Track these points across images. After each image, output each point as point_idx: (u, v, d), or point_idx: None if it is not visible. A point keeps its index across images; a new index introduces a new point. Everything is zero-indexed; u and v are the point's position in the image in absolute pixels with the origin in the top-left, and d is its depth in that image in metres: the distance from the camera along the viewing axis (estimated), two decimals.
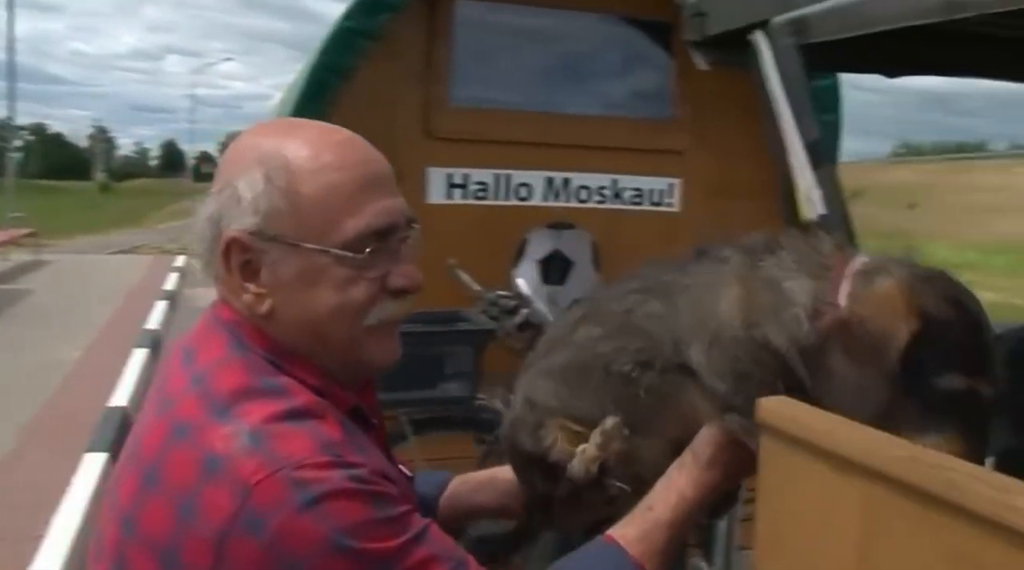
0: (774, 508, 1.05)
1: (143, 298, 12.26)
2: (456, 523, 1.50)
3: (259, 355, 1.13)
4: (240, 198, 1.12)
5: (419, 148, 3.73)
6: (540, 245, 3.88)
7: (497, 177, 3.87)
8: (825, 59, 1.63)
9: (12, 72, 24.56)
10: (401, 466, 1.32)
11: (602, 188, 4.05)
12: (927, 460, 0.82)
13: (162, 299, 12.02)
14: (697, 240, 3.94)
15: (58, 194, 52.13)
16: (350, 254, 1.11)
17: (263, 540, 0.99)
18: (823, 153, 1.44)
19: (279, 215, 1.11)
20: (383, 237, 1.13)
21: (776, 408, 1.02)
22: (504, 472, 1.51)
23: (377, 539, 1.03)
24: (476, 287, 3.36)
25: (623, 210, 4.07)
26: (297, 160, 1.12)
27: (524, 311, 3.24)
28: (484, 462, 3.25)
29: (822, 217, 1.39)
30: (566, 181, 3.99)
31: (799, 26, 1.40)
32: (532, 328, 3.27)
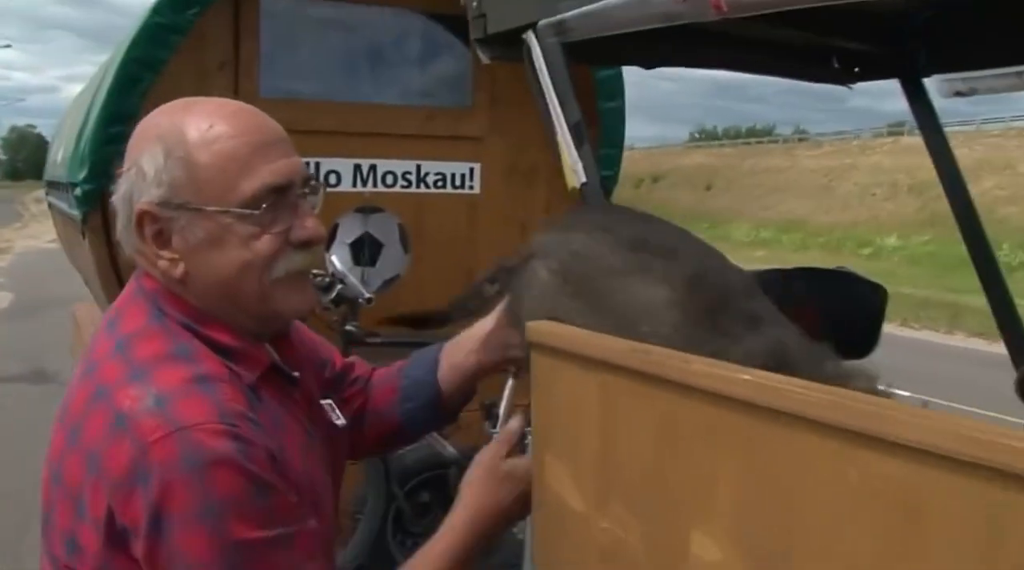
0: (542, 409, 1.35)
1: None
2: (466, 387, 1.69)
3: (176, 321, 1.22)
4: (144, 174, 1.21)
5: None
6: (350, 229, 4.08)
7: (307, 165, 4.03)
8: (590, 54, 1.94)
9: None
10: (336, 413, 1.45)
11: (407, 173, 4.27)
12: (635, 348, 1.13)
13: None
14: (497, 220, 4.29)
15: None
16: (248, 211, 1.20)
17: (147, 494, 1.07)
18: (584, 134, 1.72)
19: (181, 184, 1.20)
20: (280, 193, 1.22)
21: (538, 328, 1.31)
22: (487, 326, 1.63)
23: (242, 522, 1.09)
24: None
25: (428, 194, 4.31)
26: (193, 132, 1.21)
27: (338, 287, 3.47)
28: None
29: (583, 184, 1.68)
30: (373, 167, 4.20)
31: (561, 27, 1.68)
32: (346, 302, 3.51)
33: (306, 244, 1.26)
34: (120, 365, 1.18)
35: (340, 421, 1.45)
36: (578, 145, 1.72)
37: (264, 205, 1.21)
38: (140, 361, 1.18)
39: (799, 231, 31.63)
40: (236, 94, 3.85)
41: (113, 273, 3.68)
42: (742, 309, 1.24)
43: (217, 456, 1.09)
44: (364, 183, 4.17)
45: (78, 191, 3.65)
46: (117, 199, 1.25)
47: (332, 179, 4.09)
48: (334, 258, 3.82)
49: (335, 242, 4.02)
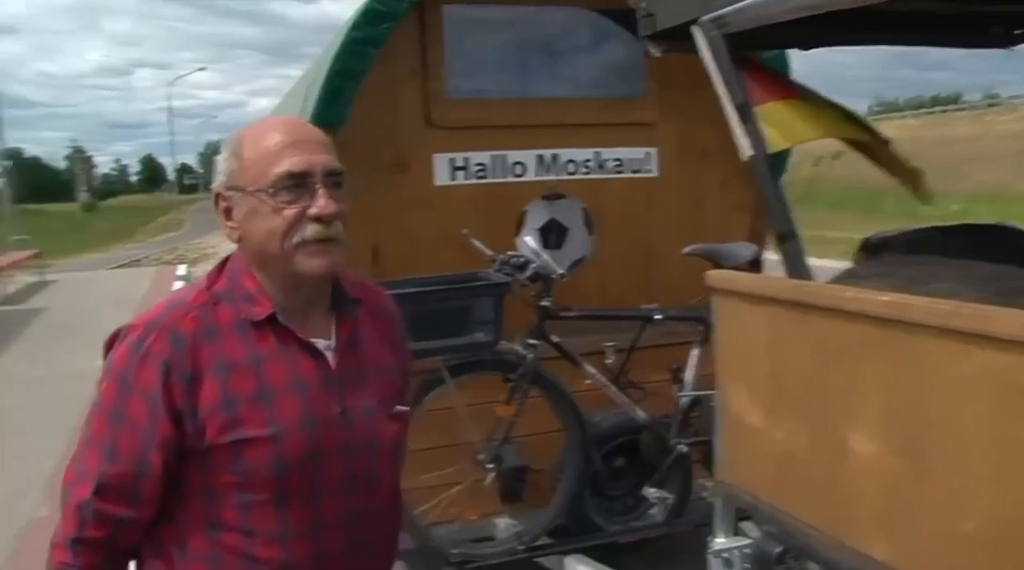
0: (724, 345, 1.60)
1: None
2: None
3: (228, 269, 1.69)
4: (218, 169, 1.67)
5: (424, 137, 4.23)
6: (538, 215, 4.40)
7: (494, 158, 4.35)
8: (751, 41, 2.16)
9: None
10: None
11: (587, 161, 4.53)
12: (797, 284, 1.37)
13: None
14: (674, 201, 4.50)
15: (44, 217, 52.13)
16: (270, 190, 1.58)
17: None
18: (749, 110, 1.94)
19: (233, 172, 1.63)
20: (300, 179, 1.58)
21: (718, 276, 1.57)
22: None
23: (105, 386, 1.60)
24: (489, 251, 3.89)
25: (607, 179, 4.56)
26: (246, 135, 1.65)
27: (533, 265, 3.78)
28: (512, 397, 3.81)
29: (751, 157, 1.91)
30: (555, 157, 4.46)
31: (720, 21, 1.91)
32: (541, 279, 3.81)
33: (317, 218, 1.59)
34: None
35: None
36: (743, 122, 1.93)
37: (285, 185, 1.57)
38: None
39: (994, 202, 30.03)
40: (427, 97, 4.22)
41: None
42: None
43: (124, 341, 1.60)
44: (548, 172, 4.45)
45: None
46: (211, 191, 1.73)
47: (518, 170, 4.40)
48: (527, 239, 4.14)
49: (524, 228, 4.34)
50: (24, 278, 18.24)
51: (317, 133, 1.67)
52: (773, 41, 2.50)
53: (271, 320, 1.64)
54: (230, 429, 1.57)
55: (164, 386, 1.55)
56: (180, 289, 1.72)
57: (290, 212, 1.58)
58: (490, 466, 3.82)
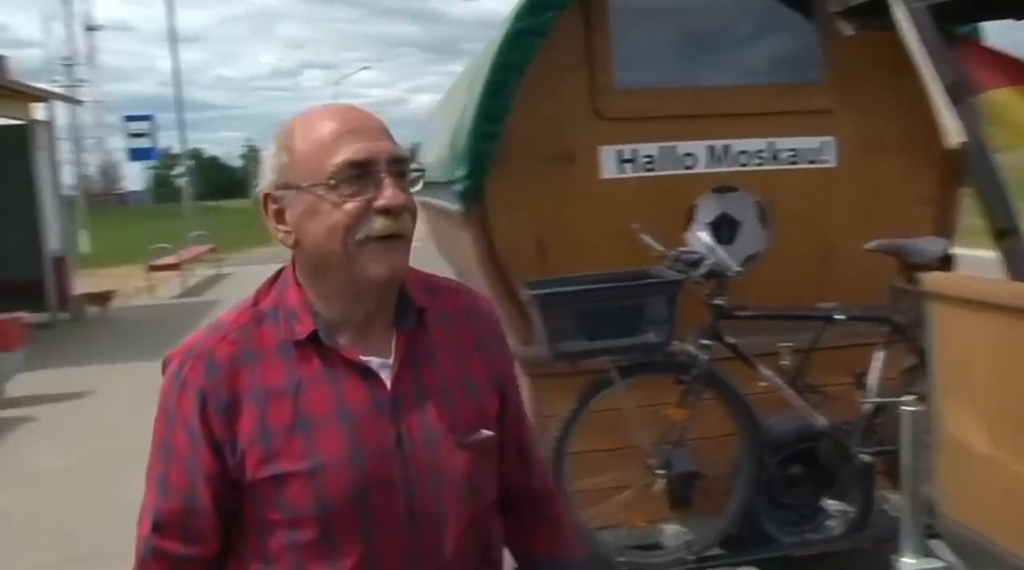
0: (941, 357, 1.41)
1: None
2: None
3: (278, 281, 1.54)
4: (264, 166, 1.49)
5: (590, 129, 4.11)
6: (708, 209, 4.21)
7: (663, 149, 4.19)
8: (958, 12, 1.94)
9: (179, 104, 26.13)
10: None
11: (760, 151, 4.31)
12: None
13: None
14: (853, 192, 4.25)
15: (220, 213, 54.71)
16: (330, 182, 1.39)
17: None
18: (962, 91, 1.73)
19: (285, 168, 1.45)
20: (362, 168, 1.40)
21: (936, 278, 1.38)
22: None
23: (157, 420, 1.50)
24: (660, 247, 3.74)
25: (781, 170, 4.33)
26: (297, 126, 1.46)
27: (707, 262, 3.61)
28: (684, 400, 3.65)
29: (963, 143, 1.70)
30: (726, 148, 4.27)
31: None
32: (717, 277, 3.64)
33: (385, 210, 1.40)
34: None
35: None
36: (955, 103, 1.73)
37: (347, 177, 1.40)
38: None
39: None
40: (592, 88, 4.10)
41: (491, 262, 4.04)
42: None
43: (167, 369, 1.49)
44: (719, 163, 4.26)
45: (459, 187, 4.03)
46: (256, 192, 1.53)
47: (687, 162, 4.23)
48: (701, 234, 3.96)
49: (694, 222, 4.17)
50: (203, 271, 19.08)
51: (375, 119, 1.49)
52: (983, 11, 2.25)
53: (314, 339, 1.47)
54: (267, 463, 1.43)
55: (201, 417, 1.44)
56: (232, 307, 1.56)
57: (353, 205, 1.40)
58: (660, 471, 3.68)
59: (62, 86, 46.72)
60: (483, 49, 4.80)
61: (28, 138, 13.41)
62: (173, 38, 26.22)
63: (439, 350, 1.55)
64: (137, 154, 23.09)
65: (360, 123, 1.45)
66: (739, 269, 3.73)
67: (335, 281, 1.45)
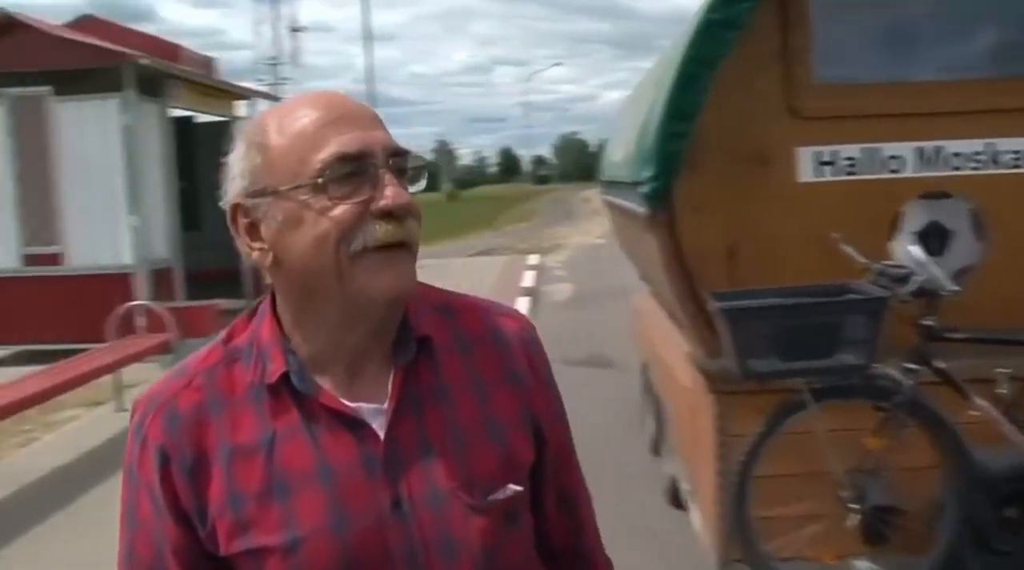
0: None
1: (505, 294, 13.12)
2: None
3: (253, 311, 1.29)
4: (232, 171, 1.20)
5: (787, 128, 3.83)
6: (916, 217, 3.86)
7: (866, 151, 3.87)
8: None
9: (372, 100, 26.89)
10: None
11: (977, 153, 3.91)
12: None
13: (522, 295, 12.99)
14: None
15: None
16: (316, 182, 1.13)
17: None
18: None
19: (257, 170, 1.17)
20: (355, 163, 1.14)
21: None
22: None
23: (124, 468, 1.27)
24: (862, 259, 3.44)
25: (1002, 175, 3.92)
26: (270, 119, 1.20)
27: (917, 278, 3.28)
28: (884, 428, 3.35)
29: None
30: (938, 150, 3.90)
31: None
32: (927, 295, 3.31)
33: (386, 213, 1.14)
34: None
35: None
36: None
37: (337, 174, 1.13)
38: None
39: None
40: (789, 83, 3.82)
41: (677, 268, 3.82)
42: None
43: (131, 421, 1.27)
44: (929, 167, 3.90)
45: (645, 189, 3.83)
46: (222, 204, 1.23)
47: (894, 165, 3.89)
48: (912, 248, 3.63)
49: (899, 231, 3.83)
50: None
51: (366, 107, 1.23)
52: None
53: (288, 382, 1.20)
54: (240, 535, 1.18)
55: (164, 480, 1.20)
56: (206, 345, 1.30)
57: (346, 209, 1.13)
58: (853, 503, 3.39)
59: (267, 84, 49.17)
60: (673, 43, 4.56)
61: (231, 134, 14.02)
62: (368, 37, 26.91)
63: (454, 387, 1.26)
64: None
65: (349, 110, 1.19)
66: (958, 289, 3.38)
67: (324, 306, 1.18)
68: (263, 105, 21.77)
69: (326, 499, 1.17)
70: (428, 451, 1.21)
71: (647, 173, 3.81)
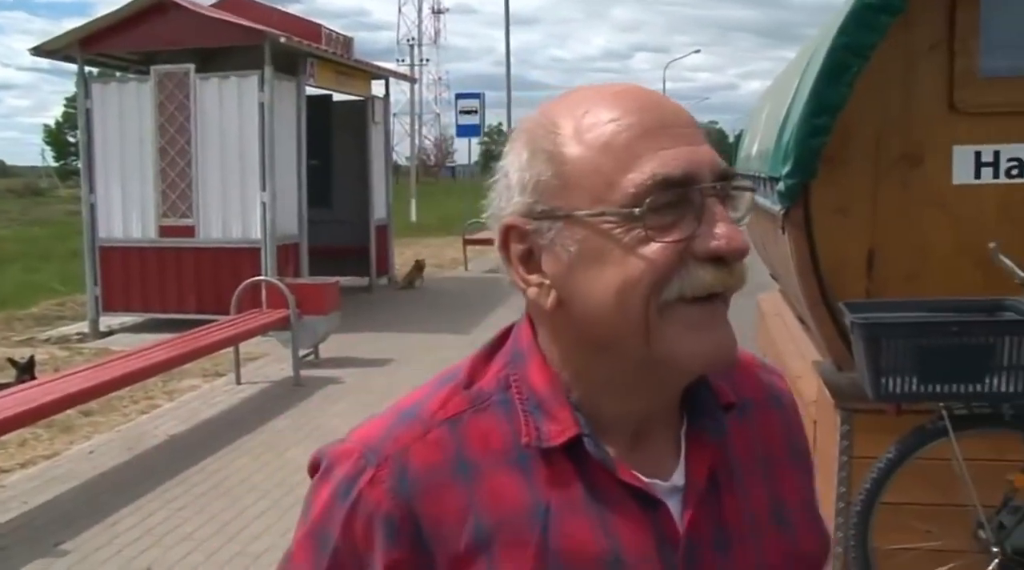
0: None
1: None
2: None
3: (513, 352, 1.01)
4: (509, 179, 0.96)
5: (944, 125, 3.49)
6: None
7: None
8: None
9: (509, 84, 26.93)
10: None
11: None
12: None
13: None
14: None
15: None
16: (634, 210, 0.88)
17: None
18: None
19: (548, 185, 0.93)
20: (678, 189, 0.89)
21: None
22: None
23: (300, 546, 1.00)
24: (1022, 273, 3.08)
25: None
26: (563, 121, 0.95)
27: None
28: None
29: None
30: None
31: None
32: None
33: (715, 257, 0.89)
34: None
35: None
36: None
37: (658, 203, 0.88)
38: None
39: None
40: (952, 76, 3.49)
41: (812, 273, 3.54)
42: None
43: (327, 477, 0.99)
44: None
45: (781, 186, 3.55)
46: (489, 219, 0.99)
47: None
48: None
49: None
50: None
51: (683, 110, 0.97)
52: None
53: (573, 446, 0.95)
54: None
55: (390, 559, 0.93)
56: (425, 383, 1.04)
57: (663, 247, 0.89)
58: (994, 547, 3.04)
59: (407, 65, 49.90)
60: (822, 30, 4.24)
61: (365, 113, 14.39)
62: (506, 20, 26.98)
63: (742, 463, 1.04)
64: (464, 130, 24.07)
65: (667, 116, 0.93)
66: None
67: (615, 363, 0.94)
68: (403, 86, 21.98)
69: None
70: (725, 543, 0.98)
71: (785, 169, 3.52)
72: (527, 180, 0.94)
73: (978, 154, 3.49)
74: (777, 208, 3.67)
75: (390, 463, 0.94)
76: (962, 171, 3.50)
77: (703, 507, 0.97)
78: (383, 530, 0.93)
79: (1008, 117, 3.48)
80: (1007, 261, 3.12)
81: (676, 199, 0.89)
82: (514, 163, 0.96)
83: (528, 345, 0.99)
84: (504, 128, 35.09)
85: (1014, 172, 3.49)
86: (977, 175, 3.50)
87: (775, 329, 5.49)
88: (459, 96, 24.37)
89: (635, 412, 0.97)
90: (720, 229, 0.89)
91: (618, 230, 0.89)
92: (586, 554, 0.92)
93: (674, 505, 0.96)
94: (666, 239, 0.88)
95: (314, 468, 1.01)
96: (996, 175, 3.49)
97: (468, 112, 23.75)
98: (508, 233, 0.96)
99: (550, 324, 0.97)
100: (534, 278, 0.95)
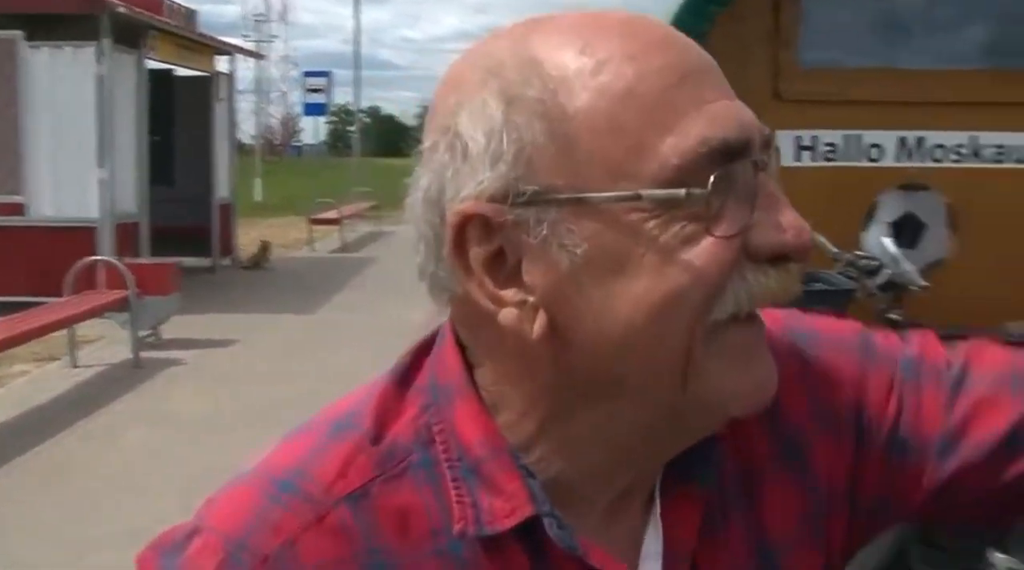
0: None
1: None
2: None
3: (432, 386, 0.71)
4: (466, 146, 0.64)
5: (767, 111, 3.69)
6: (891, 207, 3.76)
7: (847, 138, 3.78)
8: None
9: (357, 62, 26.55)
10: None
11: (959, 146, 3.83)
12: None
13: None
14: None
15: (391, 171, 56.12)
16: (683, 192, 0.60)
17: None
18: None
19: (540, 155, 0.62)
20: (729, 161, 0.62)
21: None
22: None
23: None
24: (833, 249, 3.33)
25: (983, 169, 3.84)
26: (556, 56, 0.64)
27: (887, 272, 3.18)
28: None
29: None
30: (920, 140, 3.81)
31: None
32: (896, 288, 3.21)
33: (782, 256, 0.64)
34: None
35: None
36: None
37: (709, 181, 0.61)
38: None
39: None
40: (776, 66, 3.71)
41: None
42: None
43: None
44: (909, 157, 3.81)
45: None
46: (412, 205, 0.68)
47: (873, 153, 3.80)
48: (886, 240, 3.52)
49: (873, 221, 3.73)
50: (363, 228, 19.36)
51: (699, 47, 0.67)
52: None
53: (526, 527, 0.66)
54: None
55: None
56: (315, 419, 0.72)
57: (719, 247, 0.62)
58: None
59: (253, 41, 48.68)
60: (662, 15, 4.44)
61: (209, 90, 14.05)
62: None
63: (745, 507, 0.77)
64: (311, 109, 23.84)
65: (696, 58, 0.65)
66: (925, 284, 3.28)
67: (626, 414, 0.66)
68: (248, 63, 21.38)
69: None
70: None
71: None
72: (504, 146, 0.63)
73: (798, 138, 3.74)
74: None
75: (269, 564, 0.64)
76: (784, 153, 3.73)
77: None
78: None
79: (825, 105, 3.74)
80: (820, 237, 3.36)
81: (728, 173, 0.62)
82: (476, 121, 0.64)
83: (458, 380, 0.69)
84: (352, 107, 34.66)
85: (830, 155, 3.76)
86: (797, 158, 3.75)
87: None
88: (307, 74, 24.01)
89: (626, 479, 0.71)
90: (787, 217, 0.64)
91: (652, 222, 0.61)
92: None
93: None
94: (717, 231, 0.61)
95: (144, 561, 0.69)
96: (814, 158, 3.75)
97: (315, 90, 23.42)
98: (465, 227, 0.64)
99: (522, 358, 0.66)
100: (511, 294, 0.64)
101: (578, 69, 0.63)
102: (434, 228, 0.66)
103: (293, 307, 10.86)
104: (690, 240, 0.61)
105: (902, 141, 3.80)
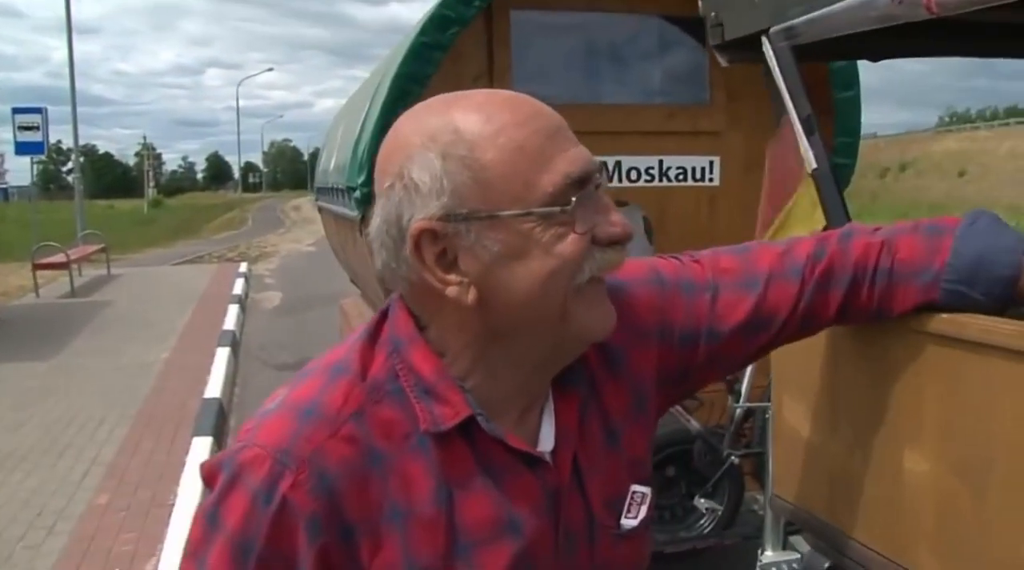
0: (779, 358, 1.59)
1: (216, 302, 12.97)
2: None
3: (392, 340, 1.07)
4: (418, 185, 1.00)
5: None
6: None
7: None
8: (819, 53, 2.14)
9: (73, 97, 25.19)
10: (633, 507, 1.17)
11: (650, 168, 4.53)
12: None
13: (233, 303, 12.79)
14: (736, 210, 4.48)
15: (112, 212, 53.34)
16: (556, 209, 0.99)
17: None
18: (815, 125, 1.92)
19: (466, 190, 0.99)
20: (581, 187, 1.00)
21: None
22: None
23: (205, 544, 1.00)
24: None
25: (669, 187, 4.56)
26: (471, 126, 1.00)
27: None
28: None
29: (814, 170, 1.90)
30: (618, 164, 4.47)
31: (790, 32, 1.90)
32: None
33: (615, 241, 1.03)
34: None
35: (632, 520, 1.17)
36: (808, 135, 1.92)
37: (567, 200, 0.99)
38: (306, 370, 1.10)
39: None
40: None
41: None
42: None
43: (238, 484, 0.99)
44: (611, 179, 4.42)
45: (357, 194, 4.15)
46: (376, 226, 1.05)
47: None
48: None
49: None
50: (91, 271, 18.57)
51: (553, 111, 1.06)
52: (842, 52, 2.48)
53: (464, 427, 1.04)
54: None
55: (319, 558, 0.99)
56: (312, 368, 1.09)
57: (576, 240, 1.00)
58: None
59: None
60: (388, 57, 4.90)
61: None
62: (69, 30, 25.04)
63: (599, 409, 1.17)
64: (25, 148, 22.12)
65: (554, 120, 1.04)
66: None
67: (529, 347, 1.05)
68: None
69: (511, 551, 1.05)
70: (581, 478, 1.12)
71: (360, 179, 4.12)
72: (444, 186, 0.98)
73: None
74: (354, 214, 4.25)
75: (309, 465, 0.98)
76: None
77: (569, 453, 1.11)
78: (310, 529, 0.97)
79: None
80: None
81: (580, 194, 1.00)
82: (424, 169, 0.99)
83: (409, 334, 1.06)
84: (63, 146, 32.58)
85: None
86: None
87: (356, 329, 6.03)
88: (16, 111, 22.54)
89: (530, 389, 1.09)
90: (616, 217, 1.03)
91: (538, 228, 0.99)
92: (486, 521, 1.04)
93: (552, 458, 1.10)
94: (578, 230, 1.00)
95: (211, 478, 1.02)
96: None
97: (28, 128, 22.07)
98: (420, 237, 1.00)
99: (458, 317, 1.03)
100: (452, 277, 1.01)
101: (485, 133, 1.00)
102: (394, 239, 1.02)
103: (23, 356, 10.21)
104: (561, 237, 0.99)
105: (604, 165, 4.42)
